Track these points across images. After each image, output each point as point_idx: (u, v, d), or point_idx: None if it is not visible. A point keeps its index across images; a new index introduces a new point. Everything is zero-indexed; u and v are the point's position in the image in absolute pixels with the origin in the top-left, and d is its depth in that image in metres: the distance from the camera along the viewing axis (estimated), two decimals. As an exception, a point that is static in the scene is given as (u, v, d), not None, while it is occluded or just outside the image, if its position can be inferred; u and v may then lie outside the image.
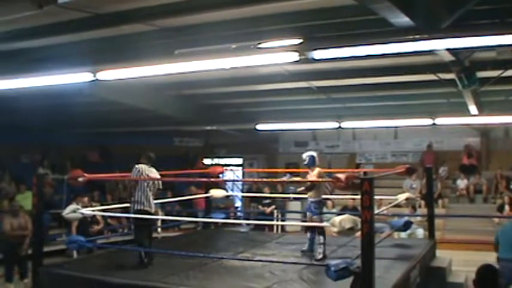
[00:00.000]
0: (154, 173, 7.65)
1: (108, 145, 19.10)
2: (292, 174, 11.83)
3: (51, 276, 7.08)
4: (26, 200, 12.27)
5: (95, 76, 8.86)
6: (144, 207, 7.35)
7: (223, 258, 7.62)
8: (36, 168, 14.60)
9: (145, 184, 7.41)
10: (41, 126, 15.59)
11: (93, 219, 12.23)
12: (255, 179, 17.40)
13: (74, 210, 7.84)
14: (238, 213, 16.99)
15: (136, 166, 7.51)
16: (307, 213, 8.09)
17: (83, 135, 18.03)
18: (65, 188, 9.83)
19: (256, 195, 14.29)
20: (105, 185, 16.01)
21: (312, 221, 7.88)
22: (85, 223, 11.53)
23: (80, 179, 7.94)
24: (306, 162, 7.91)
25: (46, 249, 7.94)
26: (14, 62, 9.61)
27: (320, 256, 7.61)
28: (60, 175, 11.41)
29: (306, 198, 8.00)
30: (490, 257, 8.03)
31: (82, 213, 8.04)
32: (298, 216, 14.97)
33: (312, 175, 7.81)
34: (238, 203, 18.44)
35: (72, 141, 17.50)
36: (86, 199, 12.36)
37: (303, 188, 8.02)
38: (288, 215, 15.49)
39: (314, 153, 7.98)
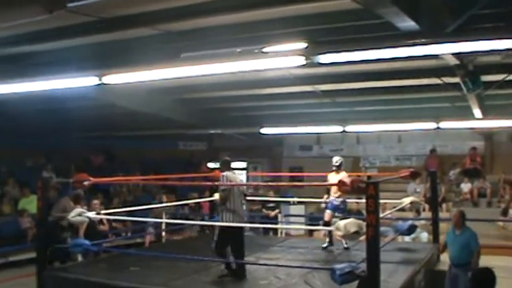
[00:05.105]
0: (240, 180, 7.43)
1: (112, 149, 19.11)
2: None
3: (55, 280, 7.09)
4: (30, 203, 12.30)
5: (100, 80, 8.86)
6: (240, 219, 6.98)
7: (228, 262, 7.61)
8: (41, 171, 14.60)
9: (238, 193, 7.05)
10: (45, 130, 15.59)
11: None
12: (260, 183, 17.36)
13: (79, 214, 7.85)
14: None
15: (223, 175, 7.08)
16: (329, 211, 8.83)
17: (87, 138, 18.03)
18: (70, 191, 9.84)
19: (260, 198, 14.25)
20: (109, 189, 16.02)
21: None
22: (90, 225, 11.43)
23: (85, 183, 7.95)
24: (338, 165, 8.85)
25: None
26: (19, 65, 9.62)
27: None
28: (64, 178, 11.38)
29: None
30: (494, 261, 7.98)
31: (88, 217, 8.04)
32: (302, 220, 14.93)
33: (341, 177, 8.30)
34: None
35: (77, 145, 17.49)
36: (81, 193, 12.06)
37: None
38: (292, 219, 15.43)
39: (342, 159, 9.02)
